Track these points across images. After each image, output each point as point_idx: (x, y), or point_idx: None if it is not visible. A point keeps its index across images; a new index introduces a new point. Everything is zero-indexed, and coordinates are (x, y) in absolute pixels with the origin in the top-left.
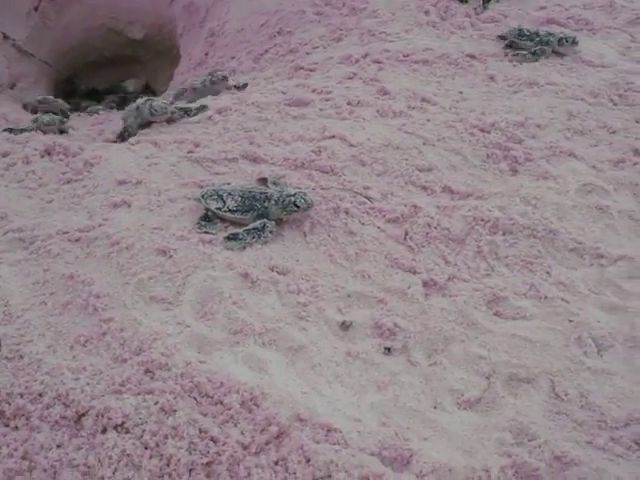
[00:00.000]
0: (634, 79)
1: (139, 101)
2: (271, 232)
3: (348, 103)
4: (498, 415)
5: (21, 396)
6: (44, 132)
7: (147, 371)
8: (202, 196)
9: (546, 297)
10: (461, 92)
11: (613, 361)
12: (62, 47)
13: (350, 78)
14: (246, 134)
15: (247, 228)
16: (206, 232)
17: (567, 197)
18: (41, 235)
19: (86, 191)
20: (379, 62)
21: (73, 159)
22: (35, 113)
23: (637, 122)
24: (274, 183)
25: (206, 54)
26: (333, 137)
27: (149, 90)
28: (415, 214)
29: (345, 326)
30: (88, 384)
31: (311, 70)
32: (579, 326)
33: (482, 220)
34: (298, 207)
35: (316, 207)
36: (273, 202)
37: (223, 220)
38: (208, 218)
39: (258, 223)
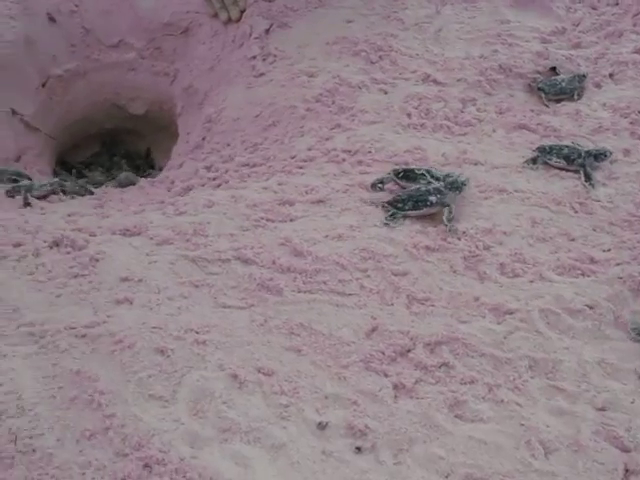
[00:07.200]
0: None
1: None
2: None
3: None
4: None
5: None
6: None
7: (146, 466)
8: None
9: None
10: None
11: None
12: (66, 121)
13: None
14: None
15: None
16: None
17: None
18: (50, 330)
19: (92, 287)
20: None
21: (79, 253)
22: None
23: None
24: None
25: (203, 138)
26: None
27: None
28: None
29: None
30: (93, 479)
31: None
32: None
33: None
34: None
35: None
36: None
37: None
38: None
39: None
